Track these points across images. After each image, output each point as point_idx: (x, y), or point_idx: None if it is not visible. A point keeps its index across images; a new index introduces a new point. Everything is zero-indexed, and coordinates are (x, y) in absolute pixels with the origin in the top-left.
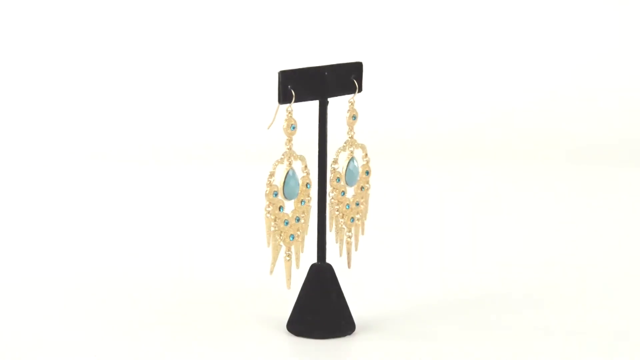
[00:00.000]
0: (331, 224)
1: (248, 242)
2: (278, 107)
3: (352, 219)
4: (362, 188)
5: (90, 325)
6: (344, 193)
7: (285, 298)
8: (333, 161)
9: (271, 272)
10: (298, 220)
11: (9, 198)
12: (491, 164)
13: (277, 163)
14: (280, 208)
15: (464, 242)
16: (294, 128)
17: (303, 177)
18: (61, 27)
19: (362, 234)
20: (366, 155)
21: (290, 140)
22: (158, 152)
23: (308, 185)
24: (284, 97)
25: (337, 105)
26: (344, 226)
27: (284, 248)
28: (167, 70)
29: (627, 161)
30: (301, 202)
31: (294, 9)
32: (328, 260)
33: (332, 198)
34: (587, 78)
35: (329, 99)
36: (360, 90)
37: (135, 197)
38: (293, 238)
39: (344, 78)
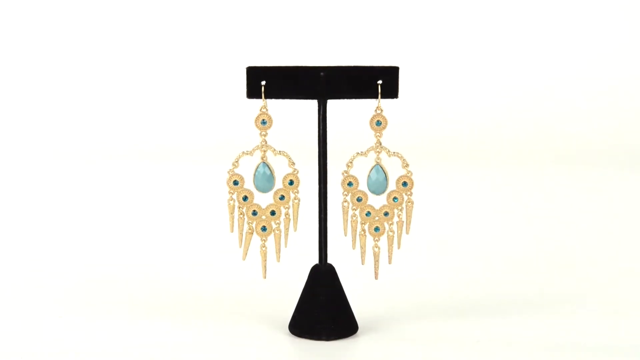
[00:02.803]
0: (345, 228)
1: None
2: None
3: (377, 229)
4: (394, 199)
5: (89, 323)
6: (360, 199)
7: (288, 298)
8: (347, 164)
9: (243, 258)
10: (273, 213)
11: None
12: (490, 166)
13: (241, 154)
14: (245, 198)
15: (467, 244)
16: (264, 123)
17: (288, 173)
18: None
19: (398, 247)
20: (406, 165)
21: (264, 135)
22: (158, 151)
23: (291, 182)
24: (249, 92)
25: (363, 108)
26: (367, 234)
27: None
28: (167, 70)
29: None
30: (280, 197)
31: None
32: (342, 262)
33: (345, 201)
34: (588, 80)
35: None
36: (388, 96)
37: (135, 196)
38: (265, 230)
39: (360, 81)
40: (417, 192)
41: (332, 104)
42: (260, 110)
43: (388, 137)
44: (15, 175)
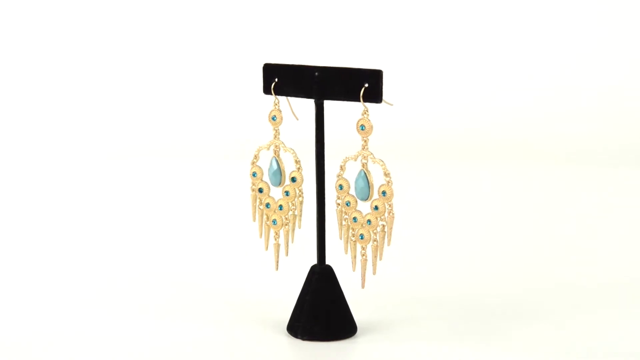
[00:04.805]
0: (340, 232)
1: (249, 243)
2: (287, 99)
3: (362, 236)
4: (375, 207)
5: (89, 321)
6: (349, 203)
7: (287, 299)
8: (340, 167)
9: (265, 248)
10: (281, 208)
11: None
12: (488, 165)
13: (260, 148)
14: (260, 190)
15: (467, 245)
16: (275, 119)
17: (292, 170)
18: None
19: (380, 259)
20: (387, 174)
21: (275, 130)
22: (160, 149)
23: (294, 180)
24: (265, 89)
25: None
26: (355, 240)
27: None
28: (172, 68)
29: (627, 162)
30: (285, 193)
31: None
32: (345, 263)
33: (338, 205)
34: (585, 78)
35: (325, 101)
36: (372, 100)
37: (134, 195)
38: (276, 223)
39: (349, 83)
40: (418, 192)
41: (342, 104)
42: (274, 106)
43: (390, 138)
44: (44, 175)
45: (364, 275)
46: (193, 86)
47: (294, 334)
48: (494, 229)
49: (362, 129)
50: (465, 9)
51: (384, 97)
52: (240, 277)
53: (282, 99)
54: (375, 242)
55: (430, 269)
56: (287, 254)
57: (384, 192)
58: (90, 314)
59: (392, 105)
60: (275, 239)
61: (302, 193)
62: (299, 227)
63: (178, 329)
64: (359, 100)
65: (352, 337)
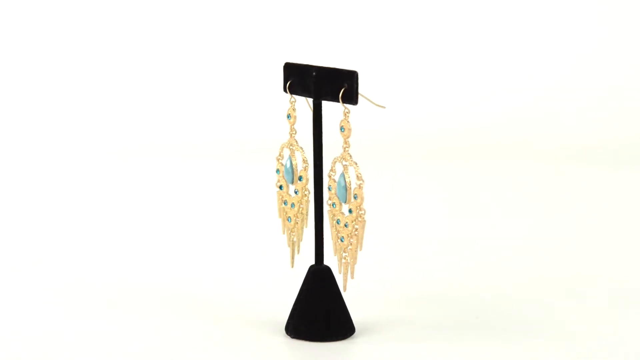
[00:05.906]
0: (332, 232)
1: (249, 243)
2: (307, 99)
3: (342, 238)
4: (349, 211)
5: (88, 323)
6: (334, 205)
7: (285, 300)
8: (330, 168)
9: (287, 245)
10: (293, 206)
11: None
12: (488, 165)
13: (282, 146)
14: (280, 187)
15: (466, 244)
16: (289, 118)
17: (300, 170)
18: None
19: (354, 262)
20: (358, 177)
21: (291, 129)
22: (162, 149)
23: (300, 178)
24: (285, 88)
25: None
26: (339, 241)
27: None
28: (178, 66)
29: (626, 162)
30: (295, 191)
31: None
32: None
33: (329, 205)
34: (585, 78)
35: (322, 101)
36: (348, 101)
37: (133, 194)
38: (290, 220)
39: (335, 84)
40: (416, 193)
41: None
42: (290, 104)
43: (389, 138)
44: (63, 175)
45: (346, 280)
46: (205, 85)
47: (287, 333)
48: (494, 228)
49: (342, 131)
50: (466, 9)
51: (375, 100)
52: (241, 277)
53: (301, 98)
54: (350, 246)
55: (429, 269)
56: (298, 252)
57: (355, 196)
58: (90, 314)
59: (384, 107)
60: (290, 237)
61: (308, 192)
62: (306, 226)
63: (178, 329)
64: (347, 102)
65: (351, 338)
